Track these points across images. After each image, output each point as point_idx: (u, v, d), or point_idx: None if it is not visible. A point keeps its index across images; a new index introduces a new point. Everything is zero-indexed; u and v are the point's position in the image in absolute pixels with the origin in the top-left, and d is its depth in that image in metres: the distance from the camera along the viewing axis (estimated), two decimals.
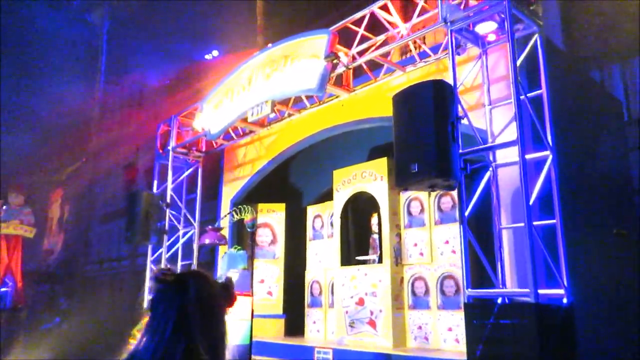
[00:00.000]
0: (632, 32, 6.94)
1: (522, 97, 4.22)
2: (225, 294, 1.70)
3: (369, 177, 6.70)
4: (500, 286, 4.28)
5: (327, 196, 7.49)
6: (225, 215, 6.43)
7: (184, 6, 15.44)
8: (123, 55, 19.44)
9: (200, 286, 1.60)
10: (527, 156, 4.11)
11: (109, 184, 19.79)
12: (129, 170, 16.82)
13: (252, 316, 4.79)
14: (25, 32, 17.45)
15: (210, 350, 1.52)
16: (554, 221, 4.12)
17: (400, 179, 4.07)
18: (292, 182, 8.62)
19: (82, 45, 19.43)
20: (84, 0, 18.41)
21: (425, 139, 3.83)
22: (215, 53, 14.44)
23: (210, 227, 5.92)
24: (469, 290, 4.04)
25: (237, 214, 5.46)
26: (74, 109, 18.35)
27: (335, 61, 5.48)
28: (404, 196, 6.55)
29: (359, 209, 7.04)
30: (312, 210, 7.81)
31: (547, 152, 4.27)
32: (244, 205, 5.46)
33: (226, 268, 4.87)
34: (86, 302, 16.68)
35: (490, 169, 4.59)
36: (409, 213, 6.52)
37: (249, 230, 5.40)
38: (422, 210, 6.39)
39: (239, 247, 5.23)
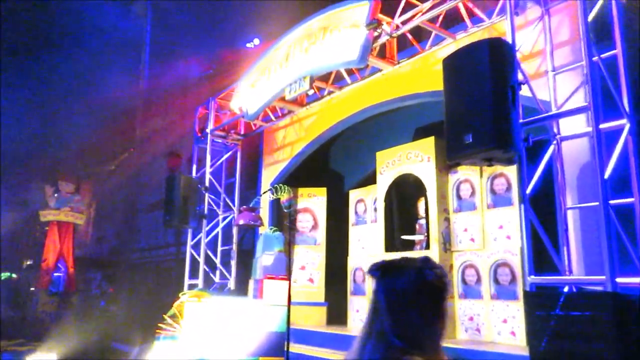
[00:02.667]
0: None
1: (594, 58, 3.68)
2: (422, 286, 1.50)
3: (415, 158, 6.27)
4: (567, 273, 3.78)
5: (370, 179, 7.11)
6: (263, 194, 6.15)
7: None
8: (166, 45, 19.62)
9: (390, 278, 1.51)
10: (601, 125, 3.58)
11: (155, 172, 20.11)
12: (173, 158, 16.95)
13: (289, 302, 4.47)
14: (75, 24, 17.88)
15: (408, 342, 1.42)
16: (632, 200, 3.58)
17: (452, 153, 3.61)
18: (333, 165, 8.28)
19: (127, 36, 19.75)
20: None
21: (481, 105, 3.36)
22: (256, 41, 14.29)
23: (244, 207, 5.66)
24: (532, 277, 3.56)
25: (273, 194, 5.16)
26: (121, 98, 18.70)
27: (377, 29, 5.05)
28: (453, 178, 6.11)
29: (404, 193, 6.63)
30: (354, 195, 7.45)
31: (624, 121, 3.69)
32: (281, 185, 5.15)
33: (262, 250, 4.58)
34: (132, 288, 17.03)
35: (554, 142, 4.07)
36: (459, 196, 6.07)
37: (285, 210, 5.10)
38: (472, 193, 5.93)
39: (275, 229, 4.93)
